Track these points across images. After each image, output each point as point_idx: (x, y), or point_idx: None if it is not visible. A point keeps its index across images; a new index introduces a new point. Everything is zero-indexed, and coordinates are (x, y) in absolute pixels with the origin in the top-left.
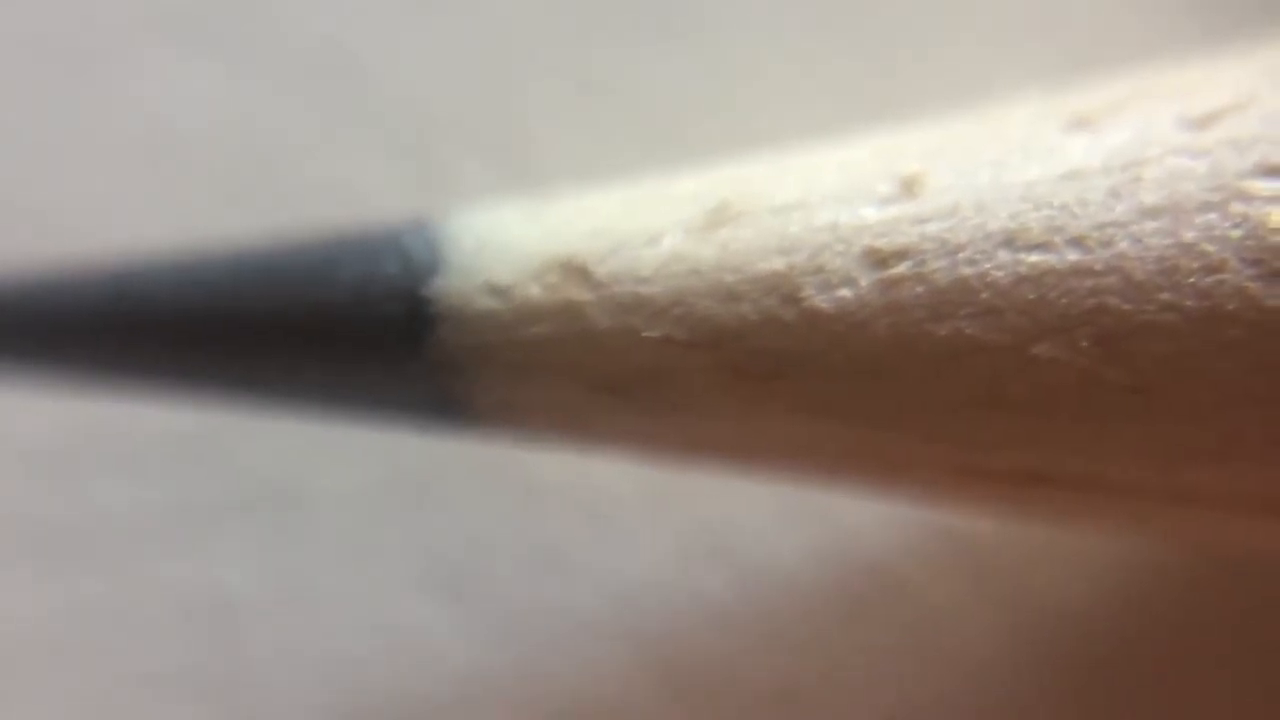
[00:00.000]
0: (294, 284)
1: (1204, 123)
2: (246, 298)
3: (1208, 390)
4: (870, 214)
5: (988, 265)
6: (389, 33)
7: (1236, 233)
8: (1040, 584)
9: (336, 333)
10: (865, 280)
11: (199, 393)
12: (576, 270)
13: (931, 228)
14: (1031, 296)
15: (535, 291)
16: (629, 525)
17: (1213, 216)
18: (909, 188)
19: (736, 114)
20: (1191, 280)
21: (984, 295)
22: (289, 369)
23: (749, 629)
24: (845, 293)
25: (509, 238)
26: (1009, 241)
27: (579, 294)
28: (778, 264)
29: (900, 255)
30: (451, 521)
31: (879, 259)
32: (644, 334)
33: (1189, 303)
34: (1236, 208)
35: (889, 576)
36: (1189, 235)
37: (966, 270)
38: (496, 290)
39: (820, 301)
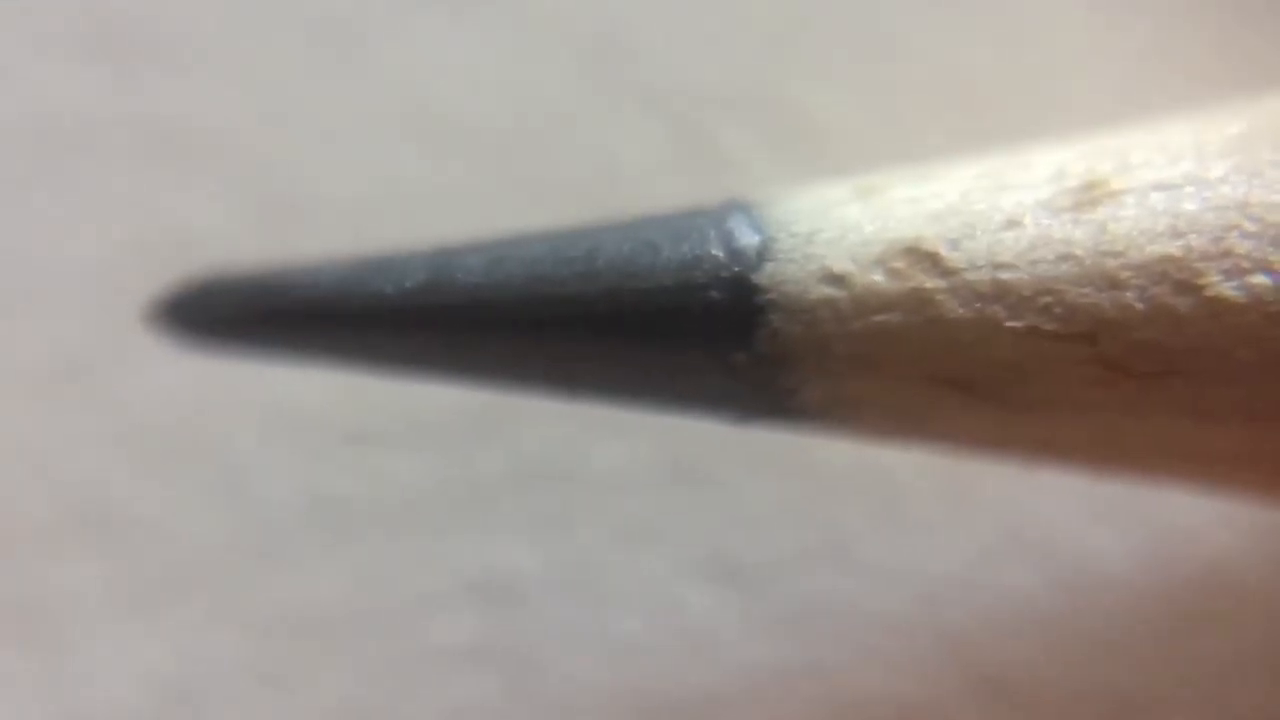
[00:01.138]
0: (614, 270)
1: None
2: (564, 283)
3: None
4: None
5: None
6: (667, 10)
7: None
8: None
9: (658, 321)
10: None
11: (510, 380)
12: (925, 255)
13: None
14: None
15: (878, 278)
16: (921, 517)
17: None
18: None
19: (1036, 93)
20: None
21: None
22: (606, 358)
23: (1070, 630)
24: (1259, 280)
25: (843, 221)
26: None
27: (929, 281)
28: (1170, 247)
29: None
30: (735, 507)
31: None
32: (1006, 325)
33: None
34: None
35: (1227, 579)
36: None
37: None
38: (834, 277)
39: (1226, 289)
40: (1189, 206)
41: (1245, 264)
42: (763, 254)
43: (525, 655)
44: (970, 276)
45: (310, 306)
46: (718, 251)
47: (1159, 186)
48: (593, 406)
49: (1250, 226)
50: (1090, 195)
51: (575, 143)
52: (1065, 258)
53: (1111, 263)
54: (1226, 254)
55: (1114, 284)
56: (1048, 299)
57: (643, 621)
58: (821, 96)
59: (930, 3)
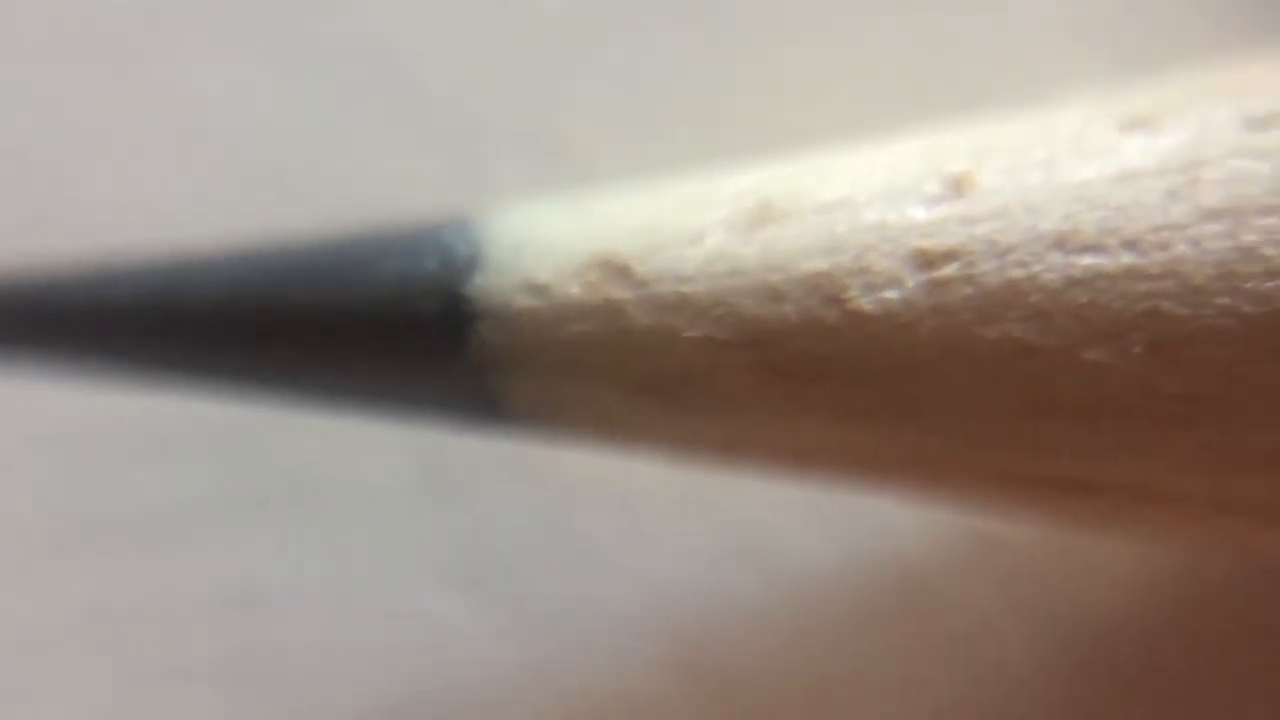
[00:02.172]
0: (334, 280)
1: (1267, 123)
2: (286, 293)
3: (1262, 399)
4: (918, 214)
5: (1038, 267)
6: (434, 28)
7: None
8: (1070, 590)
9: (376, 330)
10: (912, 281)
11: (240, 388)
12: (617, 269)
13: (981, 228)
14: (1083, 300)
15: (575, 290)
16: (661, 523)
17: (1275, 220)
18: (958, 187)
19: (781, 111)
20: (1250, 285)
21: (1034, 298)
22: (328, 365)
23: (781, 629)
24: (891, 294)
25: (550, 235)
26: (1060, 243)
27: (619, 293)
28: (821, 264)
29: (949, 256)
30: (481, 516)
31: (926, 260)
32: (685, 334)
33: (1247, 308)
34: None
35: (921, 580)
36: (1249, 238)
37: (1016, 272)
38: (536, 288)
39: (865, 303)
40: (839, 229)
41: (880, 280)
42: (473, 266)
43: (271, 668)
44: (656, 289)
45: (37, 313)
46: (431, 264)
47: (818, 210)
48: (336, 417)
49: (886, 247)
50: (762, 215)
51: (345, 166)
52: (736, 272)
53: (774, 277)
54: (865, 270)
55: (775, 297)
56: (721, 310)
57: (386, 632)
58: (587, 113)
59: (699, 37)
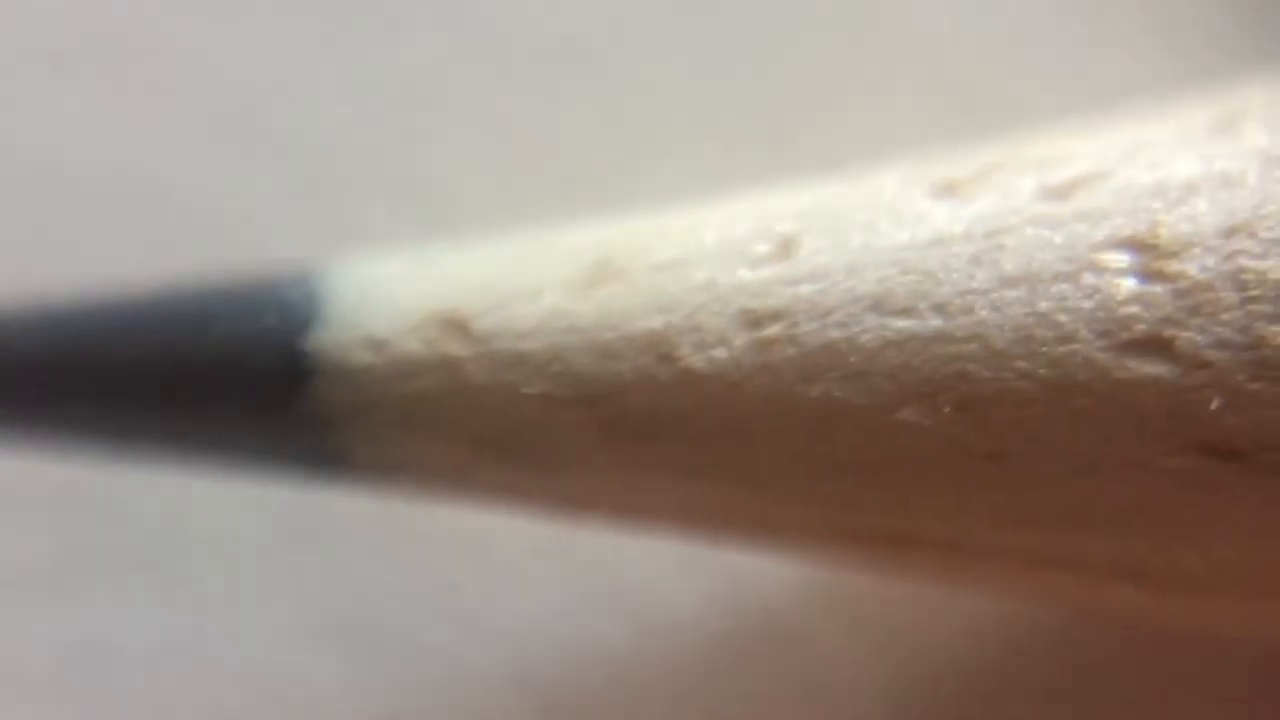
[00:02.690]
0: (171, 334)
1: (1062, 193)
2: (122, 347)
3: (1059, 458)
4: (746, 274)
5: (856, 329)
6: (296, 76)
7: (1088, 304)
8: (921, 634)
9: (212, 384)
10: (740, 341)
11: (83, 444)
12: (456, 325)
13: (804, 289)
14: (897, 361)
15: (413, 346)
16: (523, 574)
17: (1066, 287)
18: (785, 249)
19: (644, 166)
20: (1045, 349)
21: (852, 359)
22: (169, 420)
23: (640, 677)
24: (720, 353)
25: (390, 290)
26: (876, 306)
27: (457, 349)
28: (655, 322)
29: (774, 317)
30: (341, 569)
31: (753, 320)
32: (523, 390)
33: (1043, 371)
34: (1088, 279)
35: (778, 625)
36: (1044, 305)
37: (836, 333)
38: (374, 344)
39: (695, 361)
40: (672, 288)
41: (709, 339)
42: (310, 321)
43: None
44: (494, 345)
45: None
46: (269, 319)
47: (652, 268)
48: (186, 473)
49: (715, 306)
50: (599, 274)
51: (205, 215)
52: (573, 330)
53: (608, 335)
54: (696, 329)
55: (610, 354)
56: (558, 367)
57: (241, 689)
58: (453, 163)
59: (566, 86)
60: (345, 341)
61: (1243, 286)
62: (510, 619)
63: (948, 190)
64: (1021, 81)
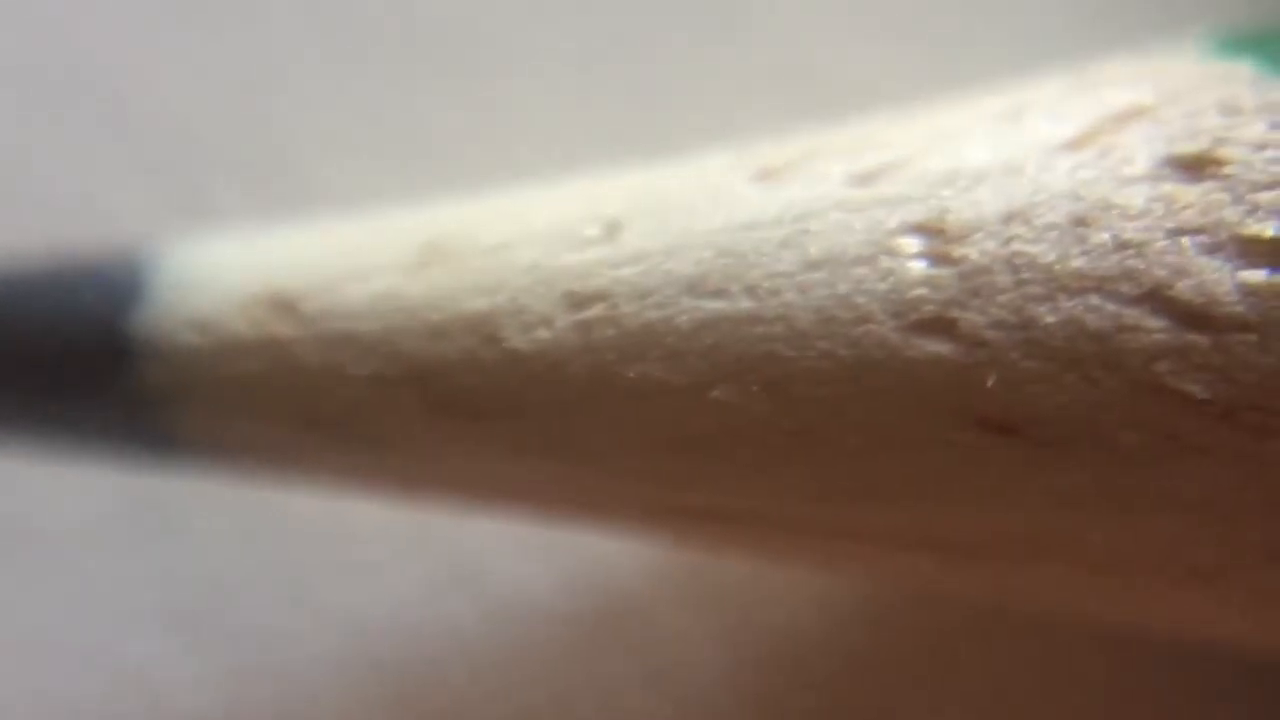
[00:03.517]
0: None
1: (866, 180)
2: None
3: (857, 434)
4: (572, 257)
5: (673, 310)
6: (152, 55)
7: (882, 286)
8: (766, 613)
9: (30, 365)
10: (562, 322)
11: None
12: (284, 306)
13: (625, 272)
14: (710, 342)
15: (240, 327)
16: (373, 557)
17: (864, 270)
18: (610, 231)
19: (500, 146)
20: (844, 330)
21: (669, 339)
22: None
23: (492, 659)
24: (543, 334)
25: (219, 271)
26: (692, 288)
27: (285, 330)
28: (480, 304)
29: (596, 298)
30: (191, 556)
31: (576, 301)
32: (351, 371)
33: (842, 351)
34: (884, 262)
35: (627, 605)
36: (844, 287)
37: (654, 314)
38: (199, 325)
39: (519, 342)
40: (499, 270)
41: (533, 320)
42: (133, 301)
43: None
44: (323, 326)
45: None
46: (93, 299)
47: (480, 251)
48: (21, 457)
49: (540, 289)
50: (429, 256)
51: (47, 184)
52: (402, 310)
53: (436, 316)
54: (521, 310)
55: (438, 335)
56: (386, 348)
57: (89, 678)
58: (306, 141)
59: (421, 67)
60: (169, 321)
61: (1016, 270)
62: (360, 602)
63: (765, 175)
64: (864, 66)
